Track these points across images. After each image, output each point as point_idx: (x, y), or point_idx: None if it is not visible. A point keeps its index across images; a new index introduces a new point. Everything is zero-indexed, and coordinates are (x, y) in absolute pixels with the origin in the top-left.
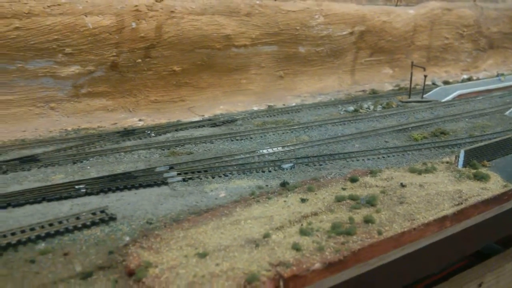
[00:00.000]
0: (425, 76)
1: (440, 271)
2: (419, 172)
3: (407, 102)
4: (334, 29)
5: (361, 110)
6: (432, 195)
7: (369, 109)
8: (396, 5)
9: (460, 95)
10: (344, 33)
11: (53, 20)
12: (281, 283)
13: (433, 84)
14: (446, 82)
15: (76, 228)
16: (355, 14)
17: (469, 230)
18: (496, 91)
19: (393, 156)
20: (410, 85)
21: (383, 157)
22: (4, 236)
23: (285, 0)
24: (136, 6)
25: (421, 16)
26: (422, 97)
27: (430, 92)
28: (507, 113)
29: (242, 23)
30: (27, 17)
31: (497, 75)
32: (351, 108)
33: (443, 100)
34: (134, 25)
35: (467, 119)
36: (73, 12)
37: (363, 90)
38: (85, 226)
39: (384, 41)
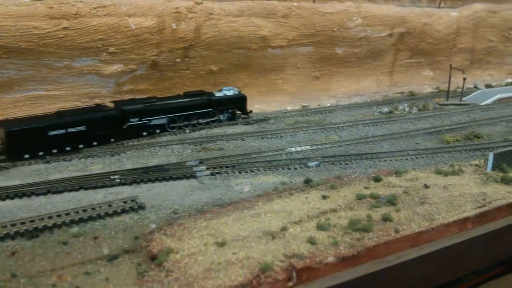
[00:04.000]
0: (464, 79)
1: (474, 277)
2: (445, 174)
3: (444, 104)
4: (372, 31)
5: (395, 112)
6: (455, 196)
7: (404, 111)
8: (439, 7)
9: (500, 99)
10: (383, 34)
11: (98, 21)
12: (294, 274)
13: (475, 87)
14: (488, 86)
15: (107, 214)
16: (395, 16)
17: (497, 235)
18: None
19: (422, 157)
20: (448, 88)
21: (411, 158)
22: (42, 219)
23: (323, 1)
24: (177, 8)
25: (464, 19)
26: (460, 100)
27: (470, 95)
28: None
29: (278, 25)
30: (74, 18)
31: None
32: (386, 109)
33: (482, 104)
34: (174, 26)
35: (504, 123)
36: (117, 14)
37: (401, 92)
38: (116, 213)
39: (424, 43)
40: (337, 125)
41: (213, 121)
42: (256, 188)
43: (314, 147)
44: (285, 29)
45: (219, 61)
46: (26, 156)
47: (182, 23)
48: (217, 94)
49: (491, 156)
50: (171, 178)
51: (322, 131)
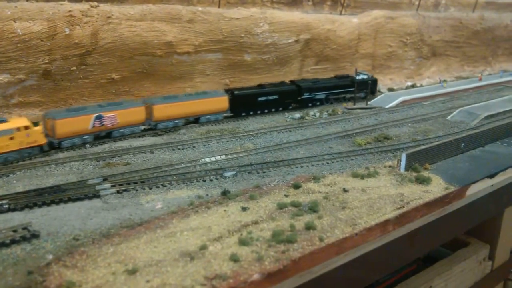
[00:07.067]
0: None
1: (390, 276)
2: (362, 177)
3: (352, 109)
4: (279, 37)
5: (307, 117)
6: (374, 199)
7: (315, 116)
8: (341, 14)
9: (403, 101)
10: (290, 41)
11: None
12: None
13: (378, 91)
14: (390, 89)
15: None
16: (300, 22)
17: (414, 234)
18: (439, 97)
19: (337, 161)
20: (355, 92)
21: (327, 163)
22: None
23: (229, 7)
24: (70, 11)
25: (365, 25)
26: (366, 104)
27: (375, 99)
28: (448, 117)
29: (184, 30)
30: None
31: (440, 82)
32: (298, 115)
33: (387, 107)
34: (67, 31)
35: (410, 124)
36: (0, 18)
37: None
38: (3, 245)
39: (329, 49)
40: (251, 133)
41: (352, 98)
42: (169, 204)
43: (229, 156)
44: (191, 34)
45: (120, 68)
46: (243, 114)
47: (76, 28)
48: (357, 77)
49: (403, 157)
50: (70, 200)
51: (237, 139)
